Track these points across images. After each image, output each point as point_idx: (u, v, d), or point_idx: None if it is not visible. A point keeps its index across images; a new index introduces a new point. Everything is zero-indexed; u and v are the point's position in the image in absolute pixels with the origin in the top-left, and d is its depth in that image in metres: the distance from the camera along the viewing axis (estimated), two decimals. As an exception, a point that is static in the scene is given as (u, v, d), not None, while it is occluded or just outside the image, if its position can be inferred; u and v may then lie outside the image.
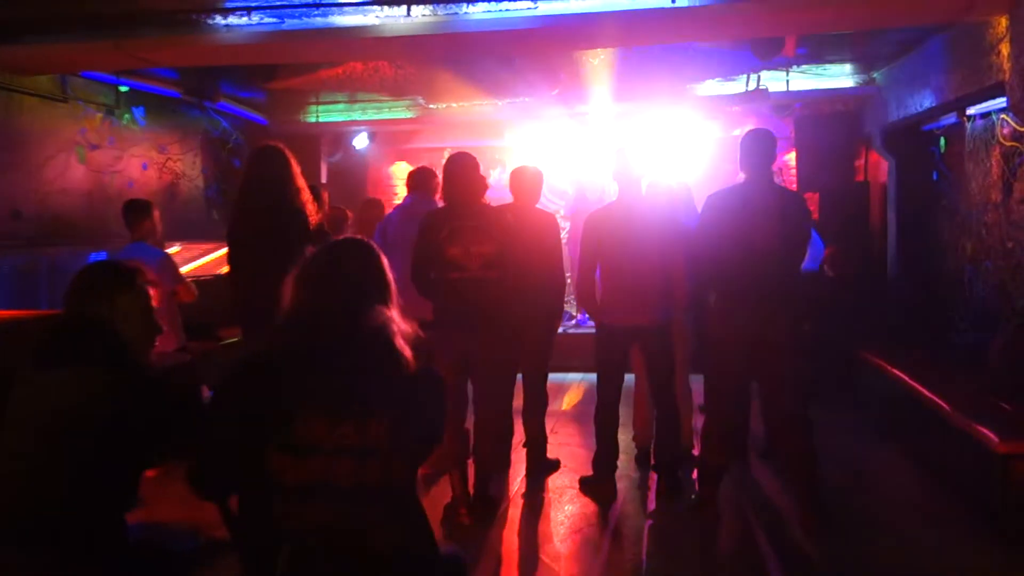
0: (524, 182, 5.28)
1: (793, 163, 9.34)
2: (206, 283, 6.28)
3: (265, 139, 5.11)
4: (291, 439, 1.92)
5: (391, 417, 1.95)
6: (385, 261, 2.17)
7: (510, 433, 5.34)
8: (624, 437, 5.51)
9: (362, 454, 1.93)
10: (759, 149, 4.31)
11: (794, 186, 8.93)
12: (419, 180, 5.76)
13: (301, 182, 4.32)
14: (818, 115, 8.77)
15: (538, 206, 5.40)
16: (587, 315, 7.72)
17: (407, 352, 2.01)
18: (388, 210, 6.63)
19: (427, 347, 2.08)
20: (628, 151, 4.79)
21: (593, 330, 4.98)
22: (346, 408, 1.94)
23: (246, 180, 4.35)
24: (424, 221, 4.55)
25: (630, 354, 4.99)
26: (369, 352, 1.99)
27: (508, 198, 5.33)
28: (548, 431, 5.55)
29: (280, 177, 4.26)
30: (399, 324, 2.06)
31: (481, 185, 4.58)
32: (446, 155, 11.00)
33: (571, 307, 9.37)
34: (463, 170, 4.51)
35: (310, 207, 4.29)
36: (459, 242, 4.39)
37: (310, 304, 2.05)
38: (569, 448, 5.88)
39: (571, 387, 7.93)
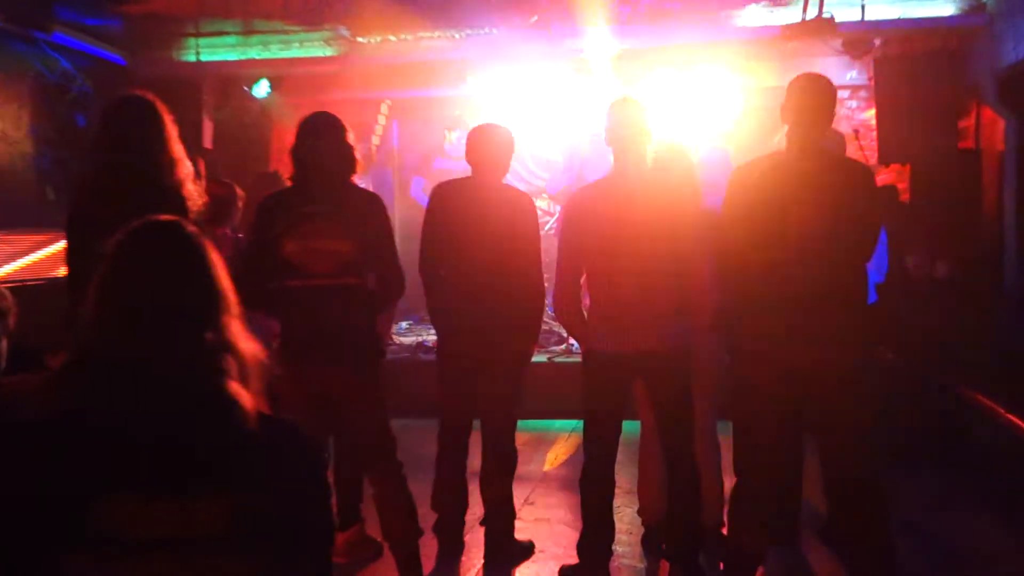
0: (486, 147, 5.30)
1: (875, 124, 9.37)
2: (33, 290, 6.23)
3: (126, 86, 5.08)
4: (86, 531, 1.81)
5: (230, 495, 1.88)
6: (215, 256, 2.09)
7: (463, 505, 5.37)
8: (627, 510, 5.50)
9: (190, 548, 1.85)
10: (810, 104, 4.32)
11: (875, 156, 8.96)
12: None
13: (179, 150, 4.33)
14: (907, 56, 8.81)
15: (509, 181, 5.41)
16: (571, 338, 7.72)
17: (245, 400, 1.93)
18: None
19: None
20: (627, 103, 4.82)
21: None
22: (162, 482, 1.85)
23: (99, 146, 4.34)
24: (258, 207, 4.60)
25: (632, 393, 5.00)
26: (190, 402, 1.91)
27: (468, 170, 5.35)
28: (520, 501, 5.56)
29: (149, 142, 4.26)
30: (238, 352, 1.99)
31: (346, 157, 4.59)
32: (383, 109, 11.29)
33: (560, 325, 9.37)
34: (317, 135, 4.54)
35: (191, 185, 4.30)
36: (300, 236, 4.41)
37: (105, 332, 1.95)
38: (549, 526, 5.90)
39: (558, 439, 7.94)
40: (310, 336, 4.46)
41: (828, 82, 4.41)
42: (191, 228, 2.10)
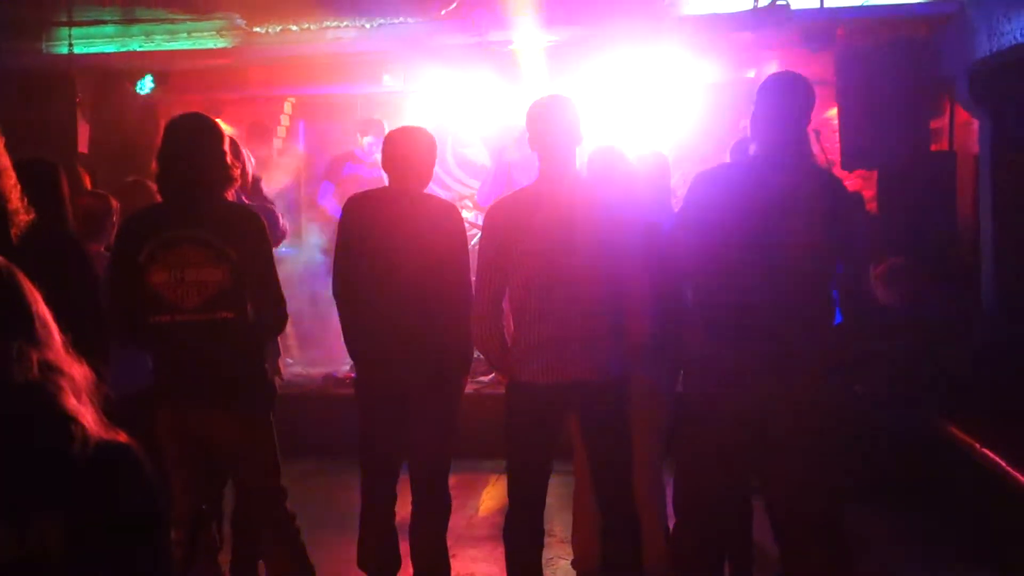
0: (405, 153, 5.27)
1: (837, 123, 9.46)
2: None
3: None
4: None
5: (65, 516, 1.97)
6: (28, 288, 2.15)
7: (396, 562, 5.34)
8: (561, 562, 5.52)
9: (25, 573, 1.93)
10: (780, 104, 4.38)
11: (836, 158, 9.04)
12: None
13: (4, 160, 4.23)
14: (872, 48, 8.89)
15: (434, 191, 5.39)
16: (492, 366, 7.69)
17: (86, 416, 2.02)
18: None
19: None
20: (552, 100, 4.81)
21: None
22: None
23: None
24: (119, 229, 4.62)
25: (563, 430, 4.96)
26: (19, 420, 1.99)
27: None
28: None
29: None
30: (68, 375, 2.07)
31: (218, 169, 4.54)
32: (286, 108, 11.21)
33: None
34: (186, 142, 4.50)
35: (15, 196, 4.18)
36: (166, 265, 4.40)
37: None
38: (472, 582, 5.87)
39: (489, 481, 7.94)
40: (183, 377, 4.44)
41: (802, 80, 4.46)
42: (8, 267, 2.16)
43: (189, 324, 4.39)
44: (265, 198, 6.17)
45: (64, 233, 4.64)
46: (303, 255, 9.87)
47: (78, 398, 2.06)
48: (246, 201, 5.87)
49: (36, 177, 4.62)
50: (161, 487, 2.22)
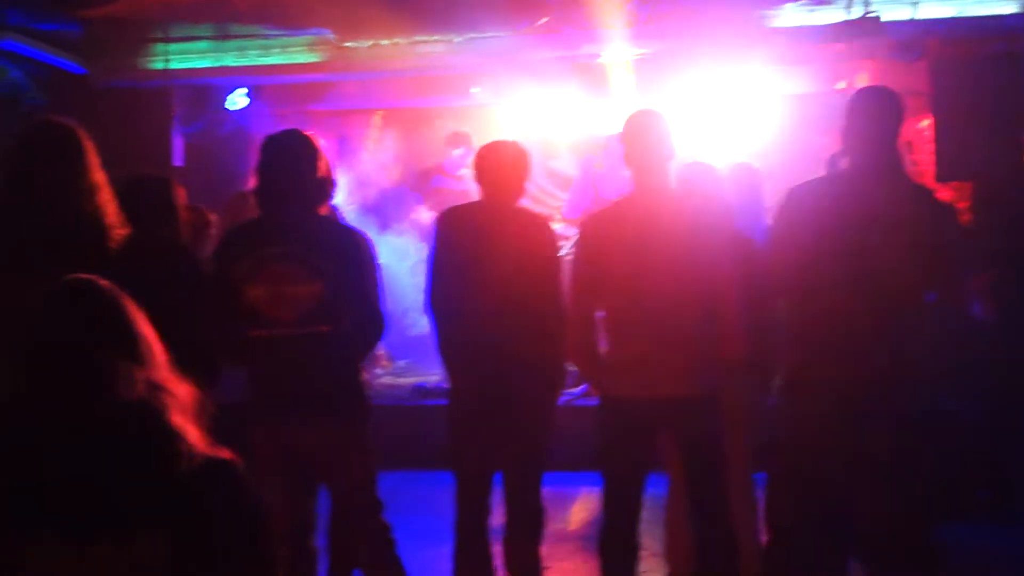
0: (498, 167, 5.26)
1: (930, 135, 9.36)
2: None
3: (85, 97, 5.05)
4: None
5: (172, 532, 2.02)
6: (132, 309, 2.22)
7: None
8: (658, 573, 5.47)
9: None
10: (874, 119, 4.34)
11: (928, 169, 8.95)
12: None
13: (100, 176, 4.31)
14: (966, 59, 8.80)
15: (524, 204, 5.41)
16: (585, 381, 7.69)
17: (191, 433, 2.09)
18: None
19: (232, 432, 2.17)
20: (646, 116, 4.83)
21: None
22: (94, 523, 1.98)
23: (8, 176, 4.31)
24: (218, 245, 4.65)
25: (657, 445, 4.96)
26: (125, 438, 2.05)
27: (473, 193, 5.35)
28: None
29: (66, 169, 4.21)
30: (172, 392, 2.13)
31: (313, 184, 4.57)
32: (376, 120, 11.30)
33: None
34: (282, 158, 4.55)
35: (111, 210, 4.25)
36: (264, 280, 4.42)
37: (19, 379, 2.12)
38: (566, 593, 5.86)
39: (580, 495, 7.89)
40: (278, 391, 4.49)
41: (891, 93, 4.42)
42: (109, 286, 2.25)
43: (286, 338, 4.41)
44: None
45: (179, 247, 4.73)
46: (391, 265, 9.93)
47: (183, 415, 2.12)
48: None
49: (150, 192, 4.73)
50: (264, 502, 2.27)
